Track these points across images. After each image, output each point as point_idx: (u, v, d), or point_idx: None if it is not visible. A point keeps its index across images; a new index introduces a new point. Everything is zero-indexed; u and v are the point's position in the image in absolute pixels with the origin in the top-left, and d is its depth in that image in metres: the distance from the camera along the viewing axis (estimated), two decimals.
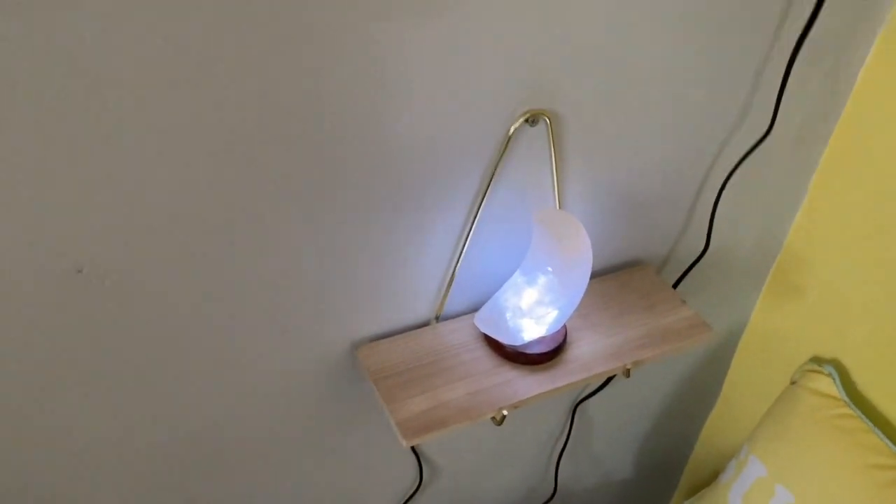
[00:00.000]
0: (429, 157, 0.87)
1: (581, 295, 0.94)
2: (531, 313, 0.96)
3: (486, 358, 1.00)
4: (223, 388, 0.95)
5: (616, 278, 1.15)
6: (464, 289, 1.03)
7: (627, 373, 1.02)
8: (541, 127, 0.91)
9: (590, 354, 1.02)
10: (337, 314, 0.96)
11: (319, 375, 1.01)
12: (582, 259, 0.93)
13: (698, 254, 1.19)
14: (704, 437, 1.70)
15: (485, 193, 0.93)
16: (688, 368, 1.50)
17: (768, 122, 1.07)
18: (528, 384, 0.97)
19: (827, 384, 1.24)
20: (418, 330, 1.03)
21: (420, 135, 0.84)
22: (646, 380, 1.46)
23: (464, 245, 0.97)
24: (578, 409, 1.39)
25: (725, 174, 1.11)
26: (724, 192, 1.13)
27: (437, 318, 1.04)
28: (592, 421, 1.46)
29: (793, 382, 1.33)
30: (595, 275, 1.14)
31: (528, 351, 0.98)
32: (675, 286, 1.21)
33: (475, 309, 1.04)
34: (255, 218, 0.81)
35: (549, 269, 0.95)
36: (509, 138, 0.90)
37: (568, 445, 1.45)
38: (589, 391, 1.35)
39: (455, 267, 0.99)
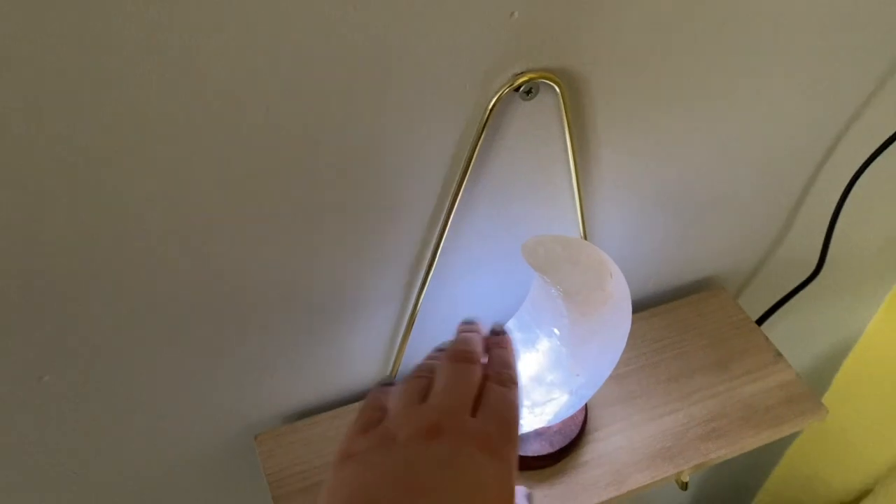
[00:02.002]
0: (357, 138, 0.49)
1: (608, 372, 0.57)
2: (525, 396, 0.59)
3: None
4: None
5: (674, 311, 0.76)
6: (430, 340, 0.66)
7: (684, 485, 0.65)
8: (544, 98, 0.52)
9: (624, 452, 0.65)
10: (227, 384, 0.61)
11: (207, 471, 0.67)
12: (611, 317, 0.55)
13: (807, 275, 0.78)
14: (785, 466, 1.32)
15: (453, 204, 0.56)
16: None
17: None
18: None
19: None
20: (359, 404, 0.67)
21: (348, 111, 0.47)
22: None
23: (425, 278, 0.60)
24: None
25: (855, 168, 0.70)
26: (853, 191, 0.71)
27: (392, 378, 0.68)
28: None
29: None
30: (639, 307, 0.76)
31: (521, 451, 0.62)
32: (760, 321, 0.81)
33: None
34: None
35: (556, 331, 0.58)
36: (487, 117, 0.51)
37: None
38: None
39: (415, 308, 0.62)
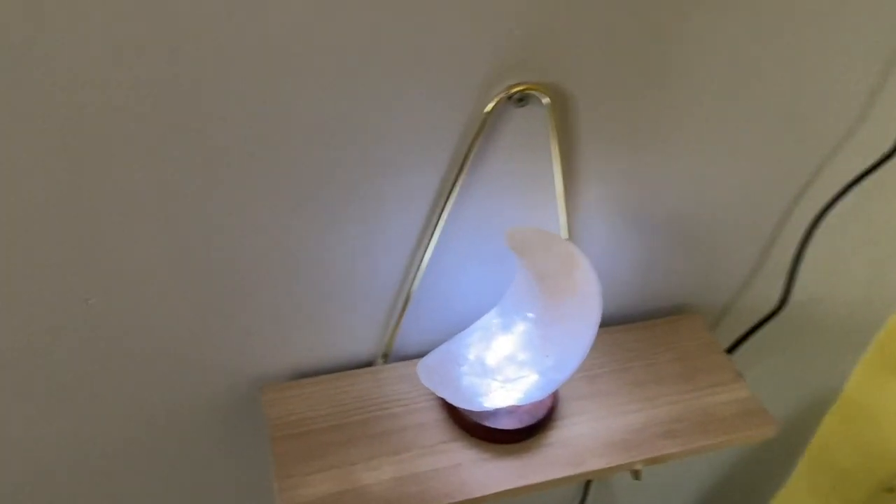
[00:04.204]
0: (368, 136, 0.59)
1: (577, 361, 0.64)
2: (498, 372, 0.67)
3: (436, 425, 0.71)
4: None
5: (649, 329, 0.83)
6: (424, 321, 0.75)
7: (636, 474, 0.71)
8: (534, 109, 0.62)
9: (586, 439, 0.71)
10: (236, 339, 0.70)
11: (211, 420, 0.75)
12: (580, 307, 0.63)
13: (771, 308, 0.86)
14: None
15: (449, 194, 0.64)
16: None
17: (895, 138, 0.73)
18: (485, 474, 0.68)
19: None
20: (355, 371, 0.75)
21: (354, 110, 0.56)
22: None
23: (421, 259, 0.69)
24: None
25: (822, 204, 0.78)
26: (819, 228, 0.79)
27: (385, 358, 0.76)
28: None
29: (890, 490, 0.98)
30: (618, 320, 0.83)
31: (491, 424, 0.69)
32: (730, 350, 0.88)
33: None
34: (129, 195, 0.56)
35: (531, 314, 0.66)
36: (484, 120, 0.60)
37: None
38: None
39: (410, 288, 0.71)
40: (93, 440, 0.73)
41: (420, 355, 0.76)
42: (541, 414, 0.71)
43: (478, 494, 0.67)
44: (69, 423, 0.70)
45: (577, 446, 0.71)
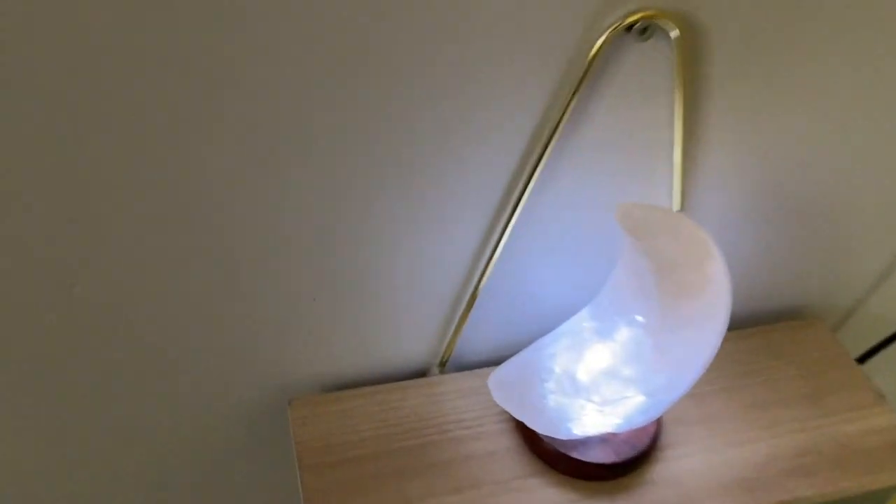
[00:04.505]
0: (436, 85, 0.44)
1: (693, 378, 0.50)
2: (594, 391, 0.52)
3: (509, 455, 0.57)
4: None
5: (764, 336, 0.68)
6: (493, 321, 0.60)
7: None
8: (657, 44, 0.47)
9: (697, 476, 0.56)
10: (258, 337, 0.55)
11: (229, 441, 0.61)
12: (707, 309, 0.48)
13: None
14: None
15: (536, 164, 0.50)
16: None
17: None
18: None
19: None
20: (406, 382, 0.61)
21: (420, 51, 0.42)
22: None
23: (497, 244, 0.54)
24: None
25: None
26: None
27: (443, 366, 0.62)
28: None
29: None
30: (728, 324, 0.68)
31: (581, 456, 0.54)
32: (861, 360, 0.72)
33: (507, 357, 0.60)
34: None
35: (640, 318, 0.51)
36: (590, 62, 0.45)
37: None
38: None
39: (479, 283, 0.56)
40: (85, 474, 0.59)
41: (484, 364, 0.62)
42: (643, 444, 0.56)
43: None
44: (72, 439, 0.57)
45: (686, 486, 0.56)
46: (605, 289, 0.54)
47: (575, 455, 0.54)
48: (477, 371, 0.61)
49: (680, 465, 0.57)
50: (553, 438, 0.54)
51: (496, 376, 0.55)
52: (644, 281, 0.49)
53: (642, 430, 0.56)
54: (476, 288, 0.57)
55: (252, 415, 0.60)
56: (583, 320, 0.55)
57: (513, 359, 0.56)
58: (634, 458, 0.55)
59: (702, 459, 0.58)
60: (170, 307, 0.51)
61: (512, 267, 0.57)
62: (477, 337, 0.61)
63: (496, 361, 0.59)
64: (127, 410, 0.57)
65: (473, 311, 0.58)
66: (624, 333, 0.52)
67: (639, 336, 0.50)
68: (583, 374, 0.53)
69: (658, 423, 0.58)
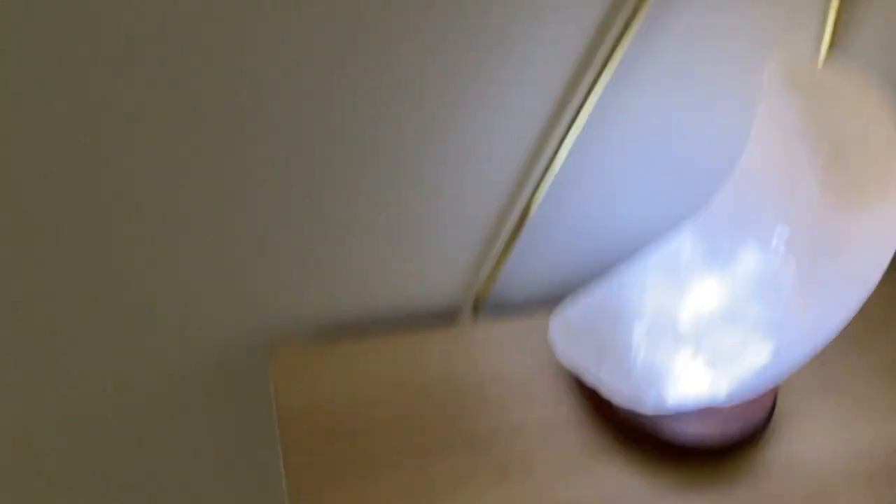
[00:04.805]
0: None
1: (844, 318, 0.34)
2: (701, 342, 0.37)
3: (575, 427, 0.41)
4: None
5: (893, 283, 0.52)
6: (546, 248, 0.45)
7: None
8: None
9: (825, 462, 0.41)
10: (239, 263, 0.40)
11: (204, 393, 0.46)
12: (883, 228, 0.33)
13: None
14: None
15: (627, 25, 0.34)
16: None
17: None
18: None
19: None
20: (428, 329, 0.45)
21: None
22: None
23: (555, 153, 0.38)
24: None
25: None
26: None
27: (476, 308, 0.46)
28: None
29: None
30: None
31: (676, 432, 0.39)
32: None
33: (563, 296, 0.45)
34: None
35: (782, 231, 0.35)
36: None
37: None
38: None
39: (534, 193, 0.40)
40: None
41: (528, 306, 0.46)
42: (756, 418, 0.40)
43: None
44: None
45: (813, 474, 0.41)
46: (715, 199, 0.38)
47: (667, 429, 0.39)
48: (522, 319, 0.45)
49: (803, 446, 0.42)
50: (633, 408, 0.39)
51: (562, 319, 0.39)
52: (795, 178, 0.33)
53: (755, 402, 0.41)
54: (529, 201, 0.41)
55: (229, 369, 0.45)
56: (683, 243, 0.39)
57: (581, 298, 0.40)
58: (745, 437, 0.40)
59: (829, 441, 0.42)
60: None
61: (577, 174, 0.41)
62: (524, 269, 0.45)
63: (548, 302, 0.44)
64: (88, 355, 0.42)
65: (522, 234, 0.42)
66: (750, 257, 0.36)
67: (776, 259, 0.35)
68: (686, 318, 0.37)
69: (774, 392, 0.42)
